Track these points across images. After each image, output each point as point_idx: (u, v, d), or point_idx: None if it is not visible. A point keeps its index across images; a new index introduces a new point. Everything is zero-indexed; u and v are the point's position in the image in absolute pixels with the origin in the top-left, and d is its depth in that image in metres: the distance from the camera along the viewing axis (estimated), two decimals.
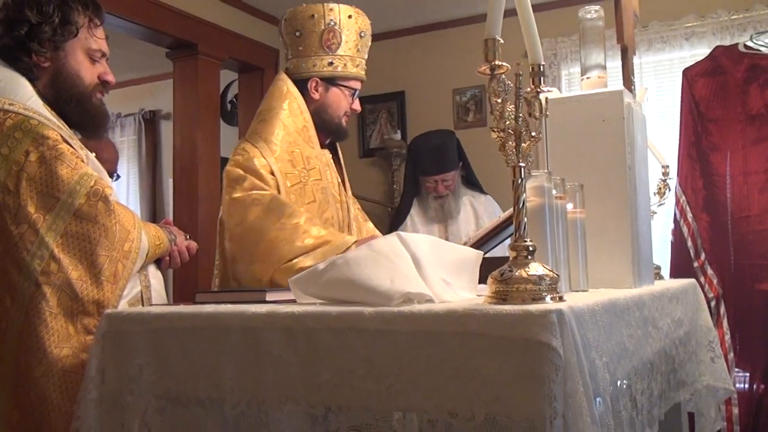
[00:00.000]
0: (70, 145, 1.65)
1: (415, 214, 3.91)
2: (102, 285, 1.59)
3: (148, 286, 1.74)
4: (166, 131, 6.23)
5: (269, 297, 1.48)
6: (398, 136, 5.27)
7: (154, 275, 1.80)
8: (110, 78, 1.85)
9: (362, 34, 2.34)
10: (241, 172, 2.13)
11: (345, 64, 2.30)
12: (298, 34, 2.28)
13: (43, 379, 1.51)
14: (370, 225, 2.59)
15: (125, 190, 6.35)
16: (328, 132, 2.35)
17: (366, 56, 2.39)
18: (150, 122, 6.42)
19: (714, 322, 3.25)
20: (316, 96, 2.30)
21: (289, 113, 2.25)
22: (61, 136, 1.64)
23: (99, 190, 1.61)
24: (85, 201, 1.59)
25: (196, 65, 4.61)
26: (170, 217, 5.17)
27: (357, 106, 2.37)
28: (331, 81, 2.31)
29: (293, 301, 1.40)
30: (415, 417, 1.13)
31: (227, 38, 4.82)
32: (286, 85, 2.30)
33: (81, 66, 1.78)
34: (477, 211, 3.84)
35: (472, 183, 4.02)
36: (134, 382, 1.36)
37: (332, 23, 2.26)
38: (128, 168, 6.42)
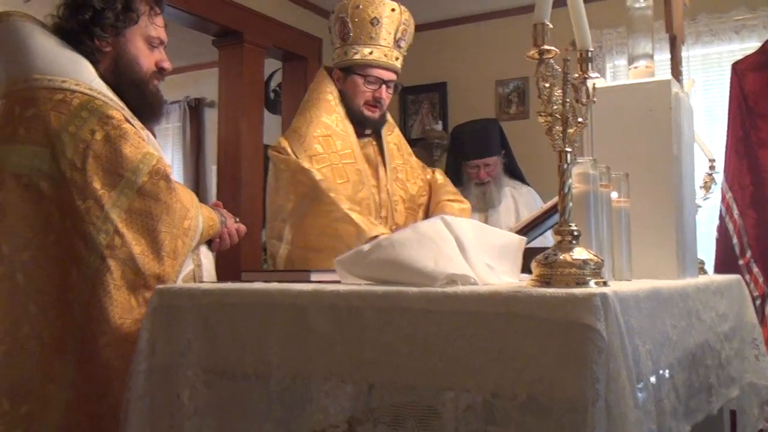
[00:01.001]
0: (132, 125, 1.70)
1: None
2: (162, 260, 1.64)
3: (200, 265, 1.79)
4: (210, 119, 6.32)
5: (314, 277, 1.51)
6: (439, 126, 5.28)
7: (206, 255, 1.84)
8: (167, 65, 1.89)
9: (399, 27, 2.38)
10: (281, 157, 2.31)
11: (357, 53, 2.34)
12: (331, 26, 2.41)
13: (106, 348, 1.57)
14: (450, 187, 2.64)
15: None
16: (355, 120, 2.41)
17: (400, 47, 2.41)
18: (195, 110, 6.52)
19: (759, 320, 3.20)
20: (339, 86, 2.42)
21: (320, 105, 2.38)
22: (124, 116, 1.69)
23: (161, 168, 1.66)
24: (148, 179, 1.64)
25: (242, 53, 4.67)
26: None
27: (382, 94, 2.39)
28: (348, 70, 2.38)
29: (338, 282, 1.42)
30: (458, 396, 1.14)
31: (272, 27, 4.87)
32: (322, 78, 2.44)
33: (140, 52, 1.83)
34: (518, 203, 3.82)
35: (514, 173, 3.99)
36: (183, 356, 1.40)
37: (352, 16, 2.33)
38: (172, 155, 6.53)
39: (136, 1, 1.80)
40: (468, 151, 3.86)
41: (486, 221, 3.81)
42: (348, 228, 2.11)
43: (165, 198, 1.66)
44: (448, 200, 2.54)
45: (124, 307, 1.59)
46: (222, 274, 1.90)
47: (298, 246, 2.24)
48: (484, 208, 3.84)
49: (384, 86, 2.39)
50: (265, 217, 2.42)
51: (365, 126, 2.44)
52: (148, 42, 1.85)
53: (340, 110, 2.38)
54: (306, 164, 2.25)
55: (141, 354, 1.44)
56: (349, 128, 2.38)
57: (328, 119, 2.35)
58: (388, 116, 2.56)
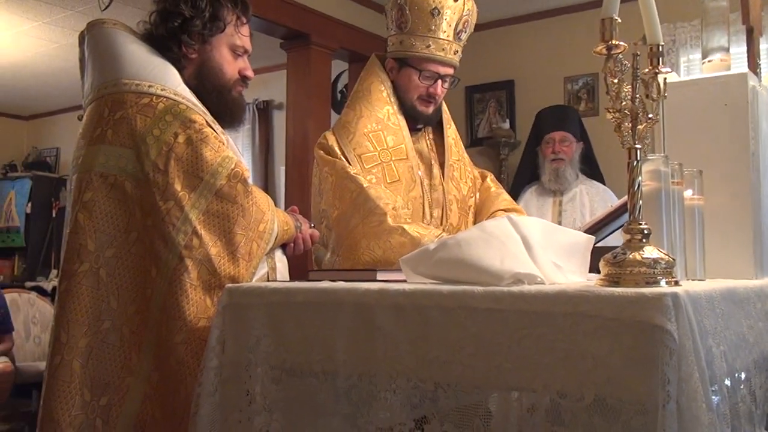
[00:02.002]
0: (213, 129, 1.75)
1: (526, 200, 3.85)
2: (237, 262, 1.68)
3: (274, 268, 1.82)
4: (279, 121, 6.42)
5: (380, 276, 1.52)
6: (507, 125, 5.23)
7: (280, 259, 1.87)
8: (250, 74, 1.94)
9: (462, 19, 2.24)
10: (323, 154, 2.22)
11: (414, 45, 2.21)
12: (388, 10, 2.28)
13: (182, 345, 1.61)
14: (505, 195, 2.49)
15: None
16: (408, 113, 2.28)
17: (461, 39, 2.27)
18: (264, 112, 6.64)
19: None
20: (392, 76, 2.29)
21: (372, 97, 2.26)
22: (206, 121, 1.74)
23: (239, 172, 1.70)
24: (226, 182, 1.68)
25: (309, 55, 4.73)
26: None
27: (437, 89, 2.25)
28: (403, 61, 2.25)
29: (404, 281, 1.43)
30: (524, 396, 1.13)
31: (338, 28, 4.92)
32: (372, 67, 2.31)
33: (224, 60, 1.87)
34: (592, 200, 3.75)
35: (592, 170, 3.94)
36: (252, 353, 1.43)
37: (411, 3, 2.20)
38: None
39: (224, 10, 1.84)
40: (545, 126, 3.89)
41: (560, 207, 3.75)
42: (401, 240, 2.01)
43: (242, 201, 1.69)
44: (505, 209, 2.37)
45: (199, 307, 1.63)
46: (292, 273, 1.93)
47: (344, 257, 2.13)
48: (556, 189, 3.78)
49: (440, 81, 2.25)
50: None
51: (418, 121, 2.32)
52: (233, 50, 1.88)
53: (392, 102, 2.26)
54: (352, 170, 2.14)
55: (212, 351, 1.48)
56: (402, 121, 2.26)
57: (380, 112, 2.24)
58: (445, 108, 2.43)
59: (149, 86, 1.72)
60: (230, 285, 1.53)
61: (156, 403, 1.63)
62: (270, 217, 1.76)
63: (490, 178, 2.55)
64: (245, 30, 1.91)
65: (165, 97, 1.72)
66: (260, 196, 1.76)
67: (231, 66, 1.89)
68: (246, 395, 1.43)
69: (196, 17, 1.80)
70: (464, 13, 2.24)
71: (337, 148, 2.20)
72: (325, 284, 1.42)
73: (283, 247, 1.90)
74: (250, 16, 1.93)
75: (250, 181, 1.75)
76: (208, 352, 1.48)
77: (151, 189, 1.65)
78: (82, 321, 1.63)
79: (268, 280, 1.79)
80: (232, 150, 1.79)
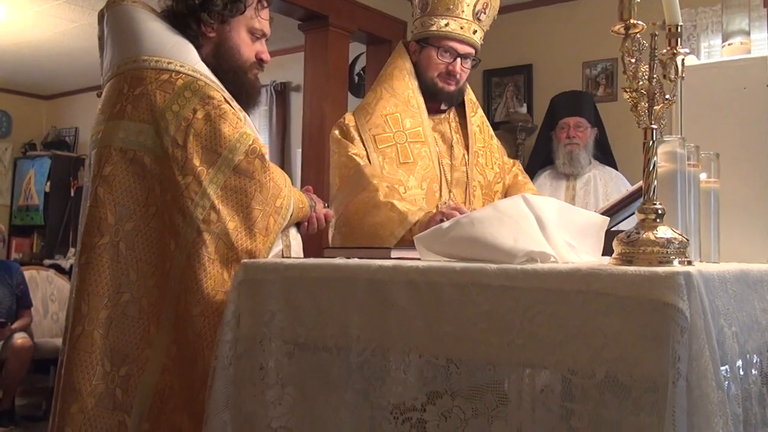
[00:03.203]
0: (231, 106, 1.77)
1: (540, 184, 3.86)
2: (255, 236, 1.70)
3: (289, 246, 1.84)
4: (296, 103, 6.43)
5: (394, 254, 1.53)
6: (524, 109, 5.20)
7: (295, 237, 1.89)
8: (266, 57, 1.95)
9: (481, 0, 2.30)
10: (336, 133, 2.31)
11: (434, 24, 2.27)
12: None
13: (199, 318, 1.64)
14: (530, 185, 2.58)
15: None
16: (428, 93, 2.33)
17: (480, 20, 2.32)
18: (281, 94, 6.65)
19: None
20: (415, 58, 2.35)
21: (393, 81, 2.33)
22: (224, 98, 1.77)
23: (257, 148, 1.72)
24: (244, 158, 1.70)
25: (327, 37, 4.73)
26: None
27: (456, 67, 2.29)
28: (424, 42, 2.32)
29: (418, 258, 1.44)
30: (536, 373, 1.14)
31: (357, 10, 4.91)
32: (398, 53, 2.38)
33: (242, 42, 1.89)
34: (606, 186, 3.75)
35: (606, 156, 3.94)
36: (266, 327, 1.45)
37: None
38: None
39: None
40: (561, 111, 3.91)
41: (573, 190, 3.76)
42: (390, 214, 2.07)
43: (259, 177, 1.71)
44: None
45: (216, 280, 1.65)
46: (307, 251, 1.95)
47: (340, 232, 2.23)
48: (570, 173, 3.79)
49: (459, 59, 2.29)
50: None
51: (440, 99, 2.35)
52: (251, 33, 1.90)
53: (413, 84, 2.31)
54: (354, 149, 2.23)
55: (227, 325, 1.50)
56: (422, 104, 2.31)
57: (400, 96, 2.30)
58: (472, 95, 2.48)
59: (168, 63, 1.74)
60: (246, 260, 1.55)
61: (174, 374, 1.66)
62: (287, 193, 1.78)
63: (518, 166, 2.63)
64: (265, 14, 1.92)
65: (184, 73, 1.73)
66: (277, 173, 1.78)
67: (248, 48, 1.90)
68: (260, 369, 1.45)
69: None
70: None
71: (353, 128, 2.27)
72: (340, 261, 1.43)
73: (298, 225, 1.92)
74: (272, 0, 1.95)
75: (267, 157, 1.76)
76: (223, 326, 1.50)
77: (170, 164, 1.67)
78: (102, 293, 1.65)
79: (283, 257, 1.81)
80: (250, 127, 1.81)
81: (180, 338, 1.66)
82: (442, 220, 1.79)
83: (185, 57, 1.77)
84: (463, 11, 2.26)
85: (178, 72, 1.73)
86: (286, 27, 5.09)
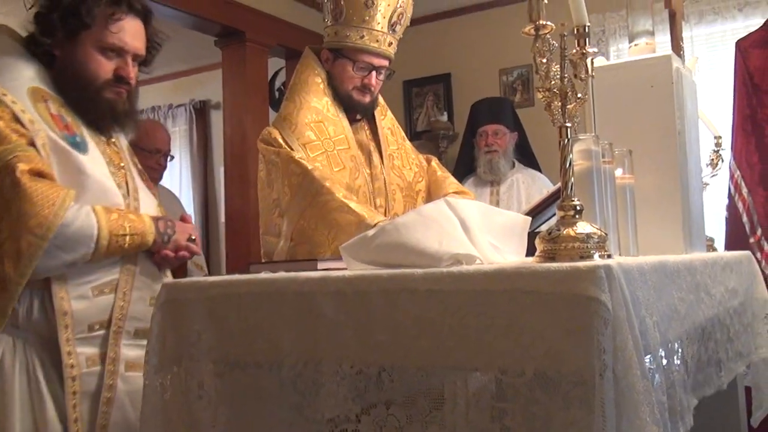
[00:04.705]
0: (20, 122, 1.66)
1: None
2: (2, 261, 1.59)
3: (134, 274, 1.78)
4: (217, 120, 6.34)
5: (321, 265, 1.52)
6: (445, 117, 5.28)
7: (146, 270, 1.81)
8: (126, 73, 1.80)
9: (396, 11, 2.26)
10: (271, 149, 2.23)
11: (349, 36, 2.23)
12: (325, 1, 2.30)
13: None
14: (451, 179, 2.55)
15: (178, 180, 6.49)
16: (344, 105, 2.31)
17: (395, 31, 2.29)
18: (200, 112, 6.55)
19: None
20: (327, 66, 2.31)
21: (310, 90, 2.27)
22: (13, 113, 1.66)
23: (11, 165, 1.60)
24: None
25: (244, 52, 4.68)
26: (222, 203, 5.27)
27: (372, 80, 2.27)
28: (337, 52, 2.27)
29: (345, 269, 1.43)
30: (468, 374, 1.15)
31: (274, 25, 4.88)
32: (308, 60, 2.33)
33: (90, 60, 1.76)
34: (529, 188, 3.83)
35: (528, 159, 4.03)
36: (194, 348, 1.41)
37: None
38: (180, 157, 6.54)
39: (88, 5, 1.73)
40: (481, 118, 3.98)
41: (497, 196, 3.83)
42: (347, 217, 2.02)
43: (8, 195, 1.60)
44: (455, 192, 2.43)
45: None
46: (232, 267, 1.91)
47: (298, 242, 2.15)
48: (492, 180, 3.86)
49: (374, 72, 2.28)
50: None
51: (355, 111, 2.34)
52: (100, 49, 1.77)
53: (329, 94, 2.28)
54: (297, 154, 2.15)
55: (152, 349, 1.45)
56: (341, 113, 2.29)
57: (318, 104, 2.25)
58: (380, 99, 2.45)
59: None
60: (167, 281, 1.51)
61: None
62: (54, 212, 1.60)
63: (435, 161, 2.59)
64: (117, 27, 1.77)
65: None
66: (40, 190, 1.62)
67: (100, 66, 1.77)
68: (190, 391, 1.41)
69: (52, 11, 1.71)
70: (398, 5, 2.26)
71: (281, 140, 2.20)
72: (266, 275, 1.40)
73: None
74: (125, 12, 1.79)
75: (25, 175, 1.63)
76: (149, 350, 1.46)
77: None
78: None
79: (116, 288, 1.76)
80: (55, 154, 1.69)
81: None
82: None
83: (9, 76, 1.71)
84: (378, 23, 2.23)
85: None
86: (202, 44, 5.02)
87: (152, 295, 1.74)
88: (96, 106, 1.79)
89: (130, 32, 1.80)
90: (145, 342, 1.48)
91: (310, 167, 2.12)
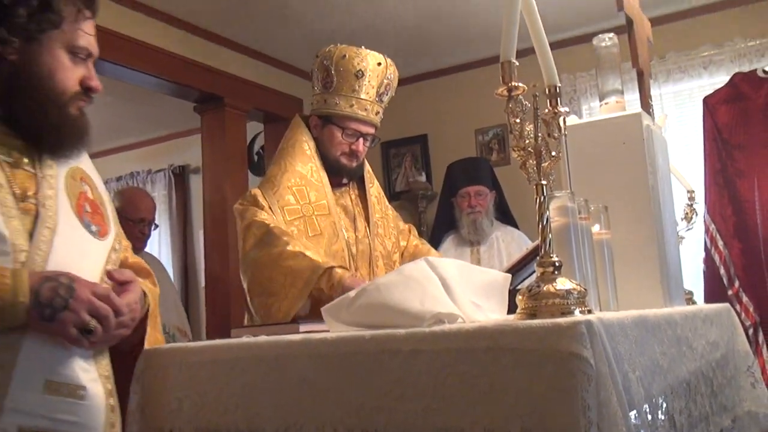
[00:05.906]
0: None
1: (445, 249, 3.93)
2: None
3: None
4: (196, 185, 6.34)
5: (303, 328, 1.51)
6: (423, 178, 5.33)
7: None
8: (95, 84, 1.47)
9: (383, 83, 2.36)
10: (239, 208, 2.29)
11: (338, 104, 2.31)
12: (314, 69, 2.37)
13: None
14: (433, 251, 2.61)
15: (157, 245, 6.45)
16: (331, 169, 2.37)
17: (382, 101, 2.39)
18: (179, 177, 6.55)
19: (753, 349, 3.20)
20: (315, 133, 2.38)
21: (296, 154, 2.34)
22: None
23: None
24: None
25: (223, 117, 4.73)
26: (201, 268, 5.21)
27: (359, 147, 2.35)
28: (326, 119, 2.35)
29: (326, 331, 1.42)
30: None
31: (252, 89, 4.94)
32: (297, 126, 2.40)
33: (59, 65, 1.42)
34: (509, 245, 3.85)
35: (506, 216, 4.07)
36: (175, 415, 1.39)
37: (337, 65, 2.30)
38: (159, 222, 6.50)
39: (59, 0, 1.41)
40: (460, 181, 4.00)
41: (478, 254, 3.84)
42: (300, 262, 2.05)
43: None
44: None
45: None
46: (213, 334, 1.88)
47: (255, 294, 2.16)
48: (476, 240, 3.87)
49: (362, 139, 2.36)
50: None
51: (342, 175, 2.40)
52: (72, 52, 1.44)
53: (315, 160, 2.34)
54: (263, 214, 2.19)
55: (131, 417, 1.43)
56: (325, 178, 2.34)
57: (303, 168, 2.32)
58: (368, 167, 2.53)
59: None
60: (147, 348, 1.49)
61: None
62: None
63: (413, 232, 2.67)
64: (89, 27, 1.47)
65: None
66: None
67: (69, 73, 1.43)
68: None
69: (19, 5, 1.37)
70: (386, 77, 2.37)
71: (262, 200, 2.25)
72: (247, 339, 1.39)
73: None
74: (97, 9, 1.49)
75: None
76: (128, 419, 1.43)
77: None
78: None
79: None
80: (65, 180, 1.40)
81: None
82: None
83: None
84: (367, 93, 2.32)
85: None
86: (181, 109, 5.06)
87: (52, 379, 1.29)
88: (71, 126, 1.45)
89: (94, 33, 1.50)
90: None
91: (271, 224, 2.17)
